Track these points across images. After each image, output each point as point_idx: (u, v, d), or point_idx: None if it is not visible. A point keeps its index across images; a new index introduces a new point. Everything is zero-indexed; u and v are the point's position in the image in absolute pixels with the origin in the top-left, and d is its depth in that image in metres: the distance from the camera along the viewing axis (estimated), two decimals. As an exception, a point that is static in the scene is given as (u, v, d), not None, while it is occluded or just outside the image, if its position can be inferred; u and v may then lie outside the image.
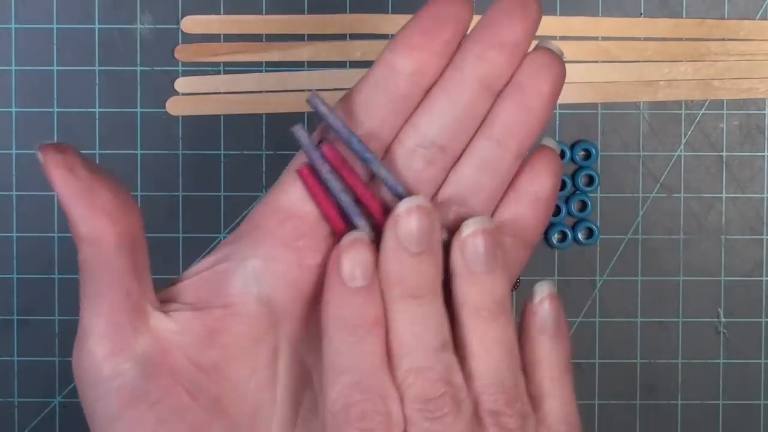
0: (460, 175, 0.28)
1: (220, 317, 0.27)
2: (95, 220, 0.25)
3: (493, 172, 0.28)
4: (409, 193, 0.27)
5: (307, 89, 0.27)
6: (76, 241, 0.25)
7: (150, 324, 0.26)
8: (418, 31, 0.27)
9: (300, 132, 0.27)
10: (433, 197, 0.28)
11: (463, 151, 0.28)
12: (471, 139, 0.28)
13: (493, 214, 0.29)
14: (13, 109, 0.48)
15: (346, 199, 0.27)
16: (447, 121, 0.27)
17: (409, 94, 0.27)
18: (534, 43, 0.28)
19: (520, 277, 0.49)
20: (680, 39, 0.49)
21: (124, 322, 0.25)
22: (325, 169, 0.27)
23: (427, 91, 0.28)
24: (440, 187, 0.28)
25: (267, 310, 0.27)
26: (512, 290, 0.49)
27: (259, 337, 0.27)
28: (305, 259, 0.27)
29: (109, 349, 0.25)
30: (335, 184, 0.27)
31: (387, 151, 0.28)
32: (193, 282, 0.27)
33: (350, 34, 0.48)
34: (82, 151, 0.48)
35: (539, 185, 0.29)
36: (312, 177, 0.27)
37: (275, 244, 0.27)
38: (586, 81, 0.49)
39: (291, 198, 0.27)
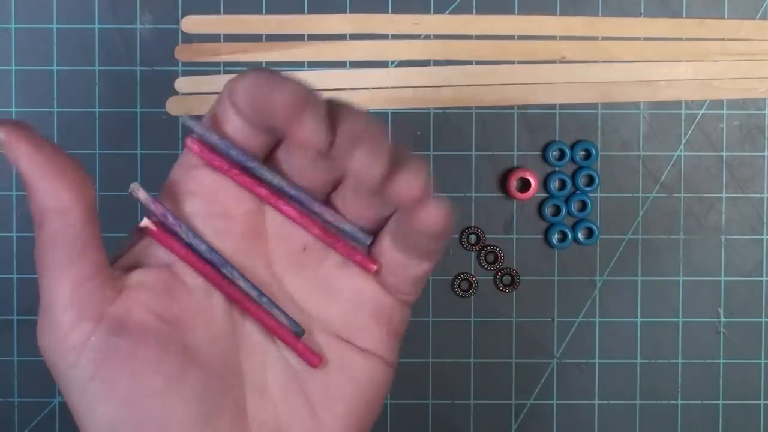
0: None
1: (170, 272, 0.28)
2: (65, 192, 0.25)
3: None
4: (299, 190, 0.28)
5: (182, 116, 0.27)
6: (41, 216, 0.26)
7: (114, 285, 0.27)
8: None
9: (138, 191, 0.28)
10: (329, 196, 0.28)
11: None
12: None
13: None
14: (13, 109, 0.48)
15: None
16: None
17: None
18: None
19: (520, 277, 0.49)
20: (680, 39, 0.49)
21: (92, 288, 0.26)
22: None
23: None
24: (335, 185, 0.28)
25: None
26: (512, 289, 0.49)
27: (208, 289, 0.28)
28: (229, 210, 0.28)
29: (77, 315, 0.26)
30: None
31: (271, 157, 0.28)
32: (143, 245, 0.28)
33: (350, 34, 0.49)
34: (83, 151, 0.48)
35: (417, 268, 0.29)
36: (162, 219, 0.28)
37: (195, 200, 0.28)
38: (586, 81, 0.49)
39: (196, 160, 0.28)
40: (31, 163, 0.25)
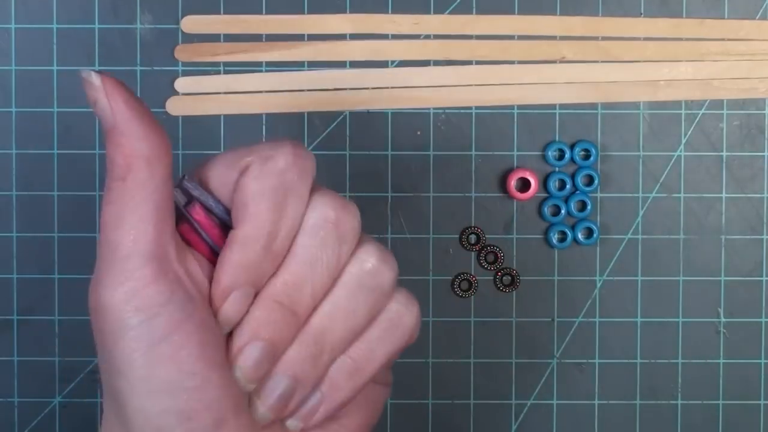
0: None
1: None
2: (157, 140, 0.25)
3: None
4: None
5: (181, 177, 0.28)
6: (128, 163, 0.25)
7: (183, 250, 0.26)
8: None
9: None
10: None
11: None
12: None
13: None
14: (13, 109, 0.48)
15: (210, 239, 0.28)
16: None
17: None
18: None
19: (520, 277, 0.49)
20: (680, 39, 0.49)
21: (172, 245, 0.26)
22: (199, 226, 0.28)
23: None
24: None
25: None
26: (512, 289, 0.49)
27: None
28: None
29: (158, 270, 0.25)
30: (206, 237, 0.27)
31: None
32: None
33: (350, 34, 0.49)
34: (83, 151, 0.48)
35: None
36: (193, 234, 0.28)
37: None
38: (586, 81, 0.49)
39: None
40: (128, 109, 0.25)
